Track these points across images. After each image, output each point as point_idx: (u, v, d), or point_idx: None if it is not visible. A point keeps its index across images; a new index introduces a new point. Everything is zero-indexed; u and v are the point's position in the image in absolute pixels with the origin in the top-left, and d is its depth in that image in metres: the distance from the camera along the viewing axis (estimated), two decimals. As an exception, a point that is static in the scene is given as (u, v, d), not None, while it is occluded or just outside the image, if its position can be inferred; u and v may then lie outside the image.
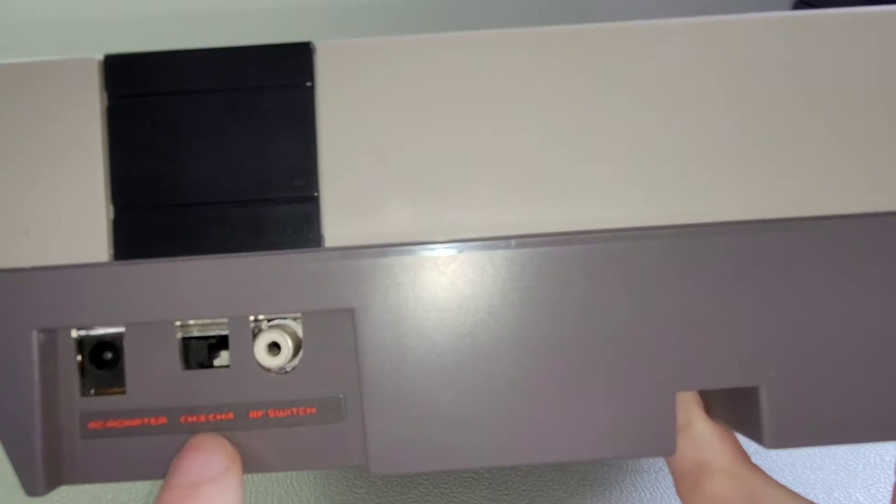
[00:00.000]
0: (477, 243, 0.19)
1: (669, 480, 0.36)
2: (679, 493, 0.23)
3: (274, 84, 0.20)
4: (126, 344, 0.20)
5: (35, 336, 0.19)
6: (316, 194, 0.19)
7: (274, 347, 0.20)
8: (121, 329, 0.20)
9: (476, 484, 0.37)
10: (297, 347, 0.20)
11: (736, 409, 0.21)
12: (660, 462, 0.36)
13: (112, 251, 0.19)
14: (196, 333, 0.20)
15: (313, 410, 0.20)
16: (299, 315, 0.20)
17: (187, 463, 0.19)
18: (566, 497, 0.36)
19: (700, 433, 0.22)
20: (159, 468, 0.20)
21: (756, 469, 0.21)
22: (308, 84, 0.20)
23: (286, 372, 0.20)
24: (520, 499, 0.36)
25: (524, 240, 0.19)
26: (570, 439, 0.19)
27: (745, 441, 0.22)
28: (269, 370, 0.20)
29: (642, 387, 0.19)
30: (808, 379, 0.19)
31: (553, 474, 0.37)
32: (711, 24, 0.20)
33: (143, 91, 0.19)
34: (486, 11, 0.40)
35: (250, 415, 0.20)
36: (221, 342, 0.21)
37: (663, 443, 0.19)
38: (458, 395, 0.19)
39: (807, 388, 0.19)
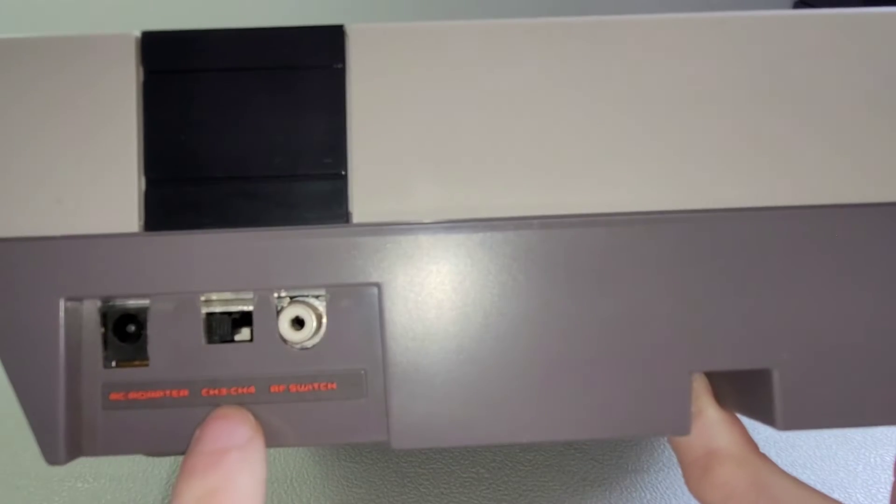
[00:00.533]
0: (501, 223, 0.20)
1: (669, 480, 0.36)
2: (688, 482, 0.23)
3: (306, 64, 0.20)
4: (150, 316, 0.20)
5: (62, 304, 0.19)
6: (344, 172, 0.20)
7: (297, 322, 0.20)
8: (145, 302, 0.20)
9: (476, 484, 0.37)
10: (320, 325, 0.20)
11: (747, 393, 0.21)
12: (660, 462, 0.37)
13: (142, 222, 0.20)
14: (219, 309, 0.21)
15: (334, 386, 0.20)
16: (322, 293, 0.21)
17: (213, 431, 0.19)
18: (566, 497, 0.36)
19: (710, 420, 0.22)
20: (179, 440, 0.20)
21: (765, 458, 0.22)
22: (339, 66, 0.20)
23: (308, 347, 0.20)
24: (520, 499, 0.36)
25: (547, 220, 0.20)
26: (587, 418, 0.20)
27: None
28: (291, 345, 0.20)
29: (658, 367, 0.20)
30: (820, 361, 0.20)
31: (553, 474, 0.37)
32: (718, 21, 0.20)
33: (178, 68, 0.20)
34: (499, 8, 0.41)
35: (272, 389, 0.20)
36: (244, 319, 0.21)
37: (678, 422, 0.20)
38: (479, 371, 0.20)
39: (819, 371, 0.20)
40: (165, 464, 0.38)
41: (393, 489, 0.37)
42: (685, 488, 0.35)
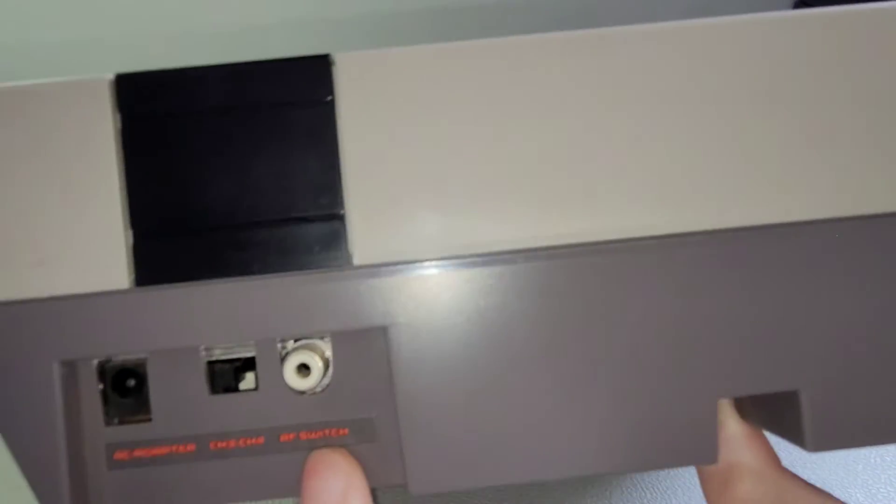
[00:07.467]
0: (508, 256, 0.19)
1: (670, 481, 0.36)
2: (706, 493, 0.22)
3: (293, 99, 0.19)
4: (150, 370, 0.19)
5: (56, 368, 0.19)
6: (342, 212, 0.19)
7: (303, 369, 0.20)
8: (143, 355, 0.20)
9: None
10: (326, 367, 0.20)
11: (773, 413, 0.21)
12: None
13: (133, 277, 0.19)
14: (221, 357, 0.20)
15: (346, 432, 0.20)
16: (327, 336, 0.20)
17: (307, 493, 0.18)
18: (566, 497, 0.35)
19: (732, 434, 0.22)
20: (190, 497, 0.20)
21: (787, 472, 0.21)
22: (328, 98, 0.19)
23: (316, 393, 0.20)
24: (520, 499, 0.35)
25: (557, 251, 0.19)
26: (611, 452, 0.19)
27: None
28: (299, 392, 0.20)
29: (684, 396, 0.19)
30: (848, 380, 0.19)
31: None
32: (713, 27, 0.19)
33: (156, 111, 0.19)
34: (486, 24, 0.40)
35: (281, 438, 0.20)
36: (248, 364, 0.20)
37: (705, 451, 0.19)
38: (496, 410, 0.19)
39: (848, 390, 0.19)
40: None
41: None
42: (685, 489, 0.36)
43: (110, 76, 0.19)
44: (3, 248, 0.18)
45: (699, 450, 0.19)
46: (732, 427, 0.22)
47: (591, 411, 0.19)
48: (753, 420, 0.22)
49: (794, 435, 0.20)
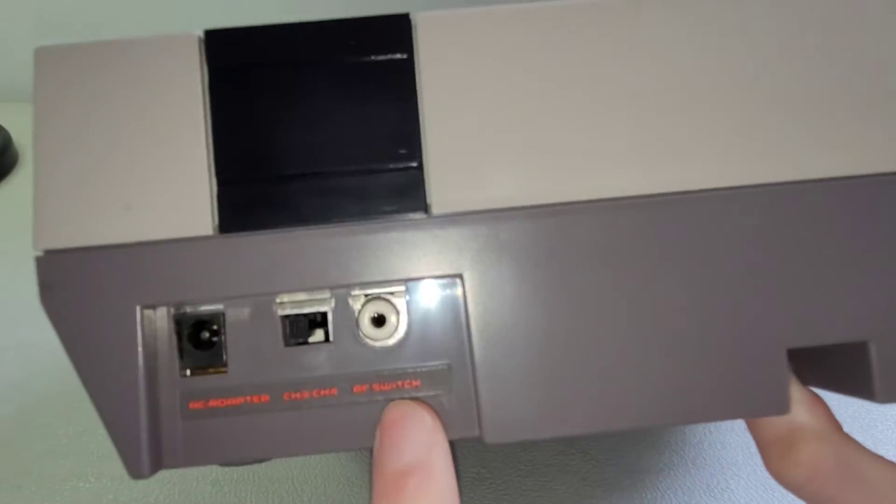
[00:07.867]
0: (583, 206, 0.20)
1: (670, 480, 0.36)
2: (767, 461, 0.23)
3: (374, 55, 0.20)
4: (227, 321, 0.20)
5: (139, 312, 0.19)
6: (420, 163, 0.19)
7: (377, 320, 0.20)
8: (219, 307, 0.20)
9: (477, 484, 0.36)
10: (399, 320, 0.20)
11: (837, 368, 0.21)
12: (661, 462, 0.37)
13: (216, 224, 0.19)
14: (294, 311, 0.20)
15: (418, 383, 0.20)
16: (400, 289, 0.20)
17: (386, 449, 0.18)
18: (567, 497, 0.35)
19: (794, 399, 0.21)
20: (262, 448, 0.20)
21: (850, 437, 0.21)
22: (407, 55, 0.20)
23: (390, 345, 0.20)
24: (520, 499, 0.35)
25: (632, 202, 0.20)
26: (683, 402, 0.19)
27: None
28: (372, 343, 0.20)
29: (756, 345, 0.20)
30: None
31: (554, 474, 0.36)
32: None
33: (242, 65, 0.19)
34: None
35: (354, 389, 0.20)
36: (319, 320, 0.20)
37: (777, 401, 0.20)
38: (570, 360, 0.19)
39: None
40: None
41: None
42: (685, 489, 0.36)
43: (199, 32, 0.19)
44: (93, 195, 0.19)
45: (771, 400, 0.19)
46: (794, 392, 0.22)
47: (664, 362, 0.20)
48: (812, 382, 0.22)
49: (862, 388, 0.20)
